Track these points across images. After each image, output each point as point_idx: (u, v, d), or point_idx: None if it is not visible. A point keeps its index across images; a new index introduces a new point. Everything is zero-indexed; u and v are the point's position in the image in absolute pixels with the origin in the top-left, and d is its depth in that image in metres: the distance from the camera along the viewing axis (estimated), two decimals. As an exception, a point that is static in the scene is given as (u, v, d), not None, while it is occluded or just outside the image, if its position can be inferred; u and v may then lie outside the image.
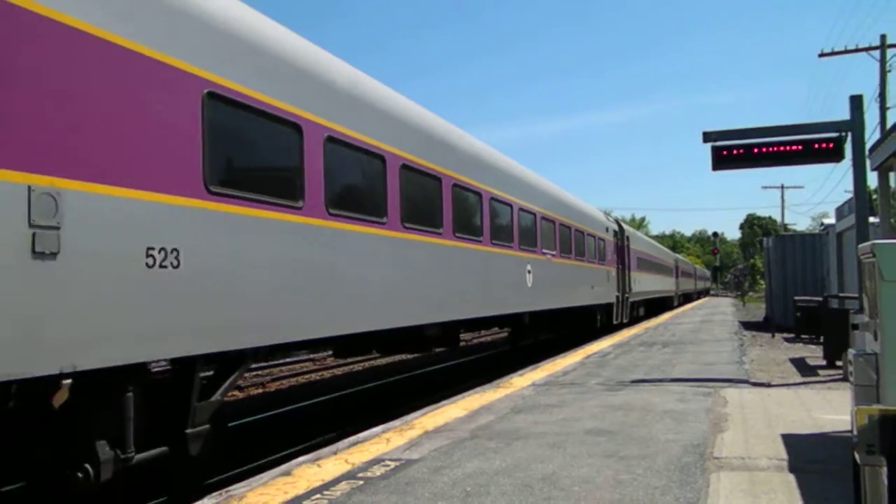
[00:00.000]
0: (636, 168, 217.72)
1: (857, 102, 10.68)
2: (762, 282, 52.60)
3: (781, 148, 10.89)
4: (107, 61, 4.98)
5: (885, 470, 2.94)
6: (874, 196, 14.25)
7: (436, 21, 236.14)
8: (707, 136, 10.99)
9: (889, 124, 15.04)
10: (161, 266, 5.30)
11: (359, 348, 9.93)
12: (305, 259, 7.15)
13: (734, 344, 17.02)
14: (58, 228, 4.53)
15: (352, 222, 7.98)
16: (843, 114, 10.78)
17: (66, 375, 4.61)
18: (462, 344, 14.58)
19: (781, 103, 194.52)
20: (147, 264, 5.19)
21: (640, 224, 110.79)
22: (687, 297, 57.05)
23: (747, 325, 25.58)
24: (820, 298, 17.41)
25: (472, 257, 11.67)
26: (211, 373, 6.33)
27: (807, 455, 5.92)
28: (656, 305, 37.45)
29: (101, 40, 4.93)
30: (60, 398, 4.70)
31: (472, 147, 12.41)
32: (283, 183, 6.97)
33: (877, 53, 28.74)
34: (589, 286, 20.23)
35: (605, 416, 7.78)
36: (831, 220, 21.18)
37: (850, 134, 10.59)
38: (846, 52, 30.09)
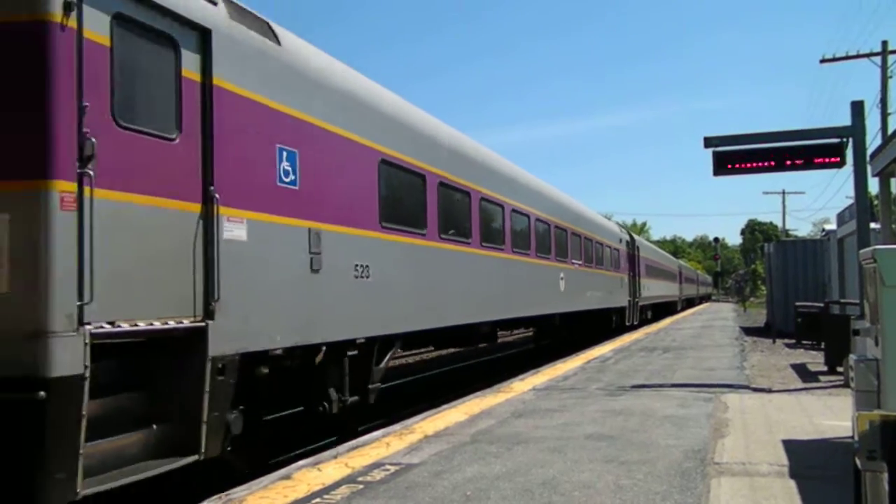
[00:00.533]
0: (638, 172, 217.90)
1: (858, 108, 10.68)
2: (763, 287, 52.57)
3: (783, 153, 10.89)
4: (347, 149, 8.07)
5: (886, 475, 2.93)
6: (875, 202, 14.25)
7: (437, 23, 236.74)
8: (708, 142, 11.00)
9: (890, 130, 15.08)
10: (361, 277, 8.13)
11: (437, 340, 12.49)
12: (426, 271, 9.96)
13: (735, 349, 17.01)
14: (320, 254, 7.33)
15: (451, 243, 10.88)
16: (845, 119, 10.78)
17: (323, 344, 7.41)
18: (481, 345, 16.16)
19: (783, 108, 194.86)
20: (354, 276, 7.99)
21: (641, 229, 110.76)
22: (689, 302, 59.66)
23: (748, 331, 25.56)
24: (821, 304, 17.39)
25: (522, 267, 14.43)
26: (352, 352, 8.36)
27: (807, 461, 5.91)
28: (662, 309, 39.47)
29: (349, 140, 8.10)
30: (318, 359, 7.52)
31: (528, 180, 15.81)
32: (416, 217, 9.78)
33: (878, 59, 28.77)
34: (607, 291, 22.86)
35: (605, 421, 7.77)
36: (832, 226, 21.17)
37: (851, 140, 10.59)
38: (847, 57, 30.11)
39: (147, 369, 5.45)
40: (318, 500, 5.05)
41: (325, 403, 7.70)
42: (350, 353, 8.05)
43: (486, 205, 12.40)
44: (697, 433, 7.08)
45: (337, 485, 5.42)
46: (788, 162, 10.94)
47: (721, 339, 21.03)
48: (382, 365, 9.05)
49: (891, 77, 28.37)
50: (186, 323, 5.53)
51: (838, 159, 10.72)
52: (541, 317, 15.85)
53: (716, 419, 7.87)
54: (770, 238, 68.90)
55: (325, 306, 7.37)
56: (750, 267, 74.66)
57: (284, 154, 6.91)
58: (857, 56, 29.73)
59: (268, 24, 7.11)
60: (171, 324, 5.40)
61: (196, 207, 5.77)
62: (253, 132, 6.48)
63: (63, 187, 4.60)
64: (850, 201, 16.23)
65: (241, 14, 6.61)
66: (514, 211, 13.97)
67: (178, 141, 5.64)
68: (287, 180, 6.92)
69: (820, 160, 10.82)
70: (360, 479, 5.58)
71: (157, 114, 5.55)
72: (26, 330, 4.42)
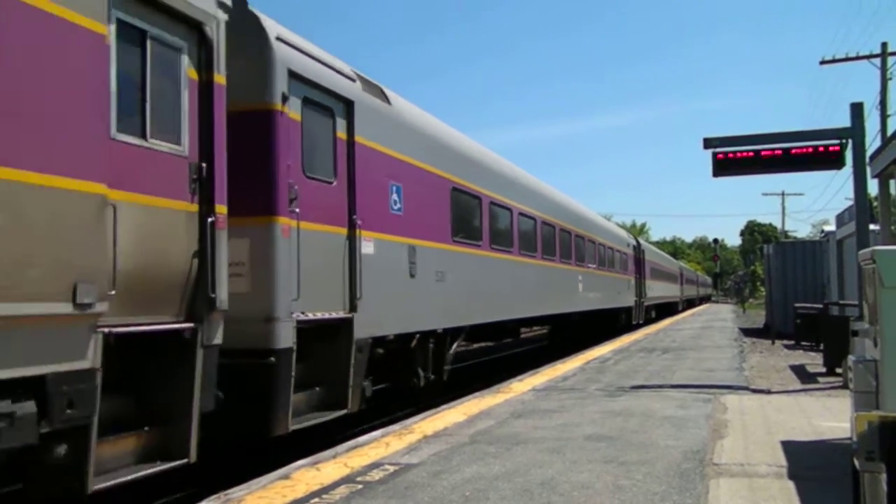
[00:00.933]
0: (637, 173, 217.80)
1: (857, 110, 10.69)
2: (762, 288, 52.58)
3: (782, 155, 10.90)
4: (432, 181, 10.34)
5: (884, 476, 2.93)
6: (875, 203, 14.25)
7: (438, 24, 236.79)
8: (708, 143, 11.00)
9: (890, 132, 15.08)
10: (440, 281, 10.36)
11: (484, 334, 14.00)
12: (482, 275, 12.19)
13: (734, 350, 17.01)
14: (415, 263, 9.56)
15: (498, 252, 13.07)
16: (844, 121, 10.79)
17: (417, 333, 9.59)
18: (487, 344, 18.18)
19: (782, 109, 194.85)
20: (435, 280, 10.22)
21: (640, 230, 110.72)
22: (690, 303, 61.59)
23: (747, 332, 25.57)
24: (820, 305, 17.40)
25: (550, 272, 16.80)
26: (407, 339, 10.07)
27: (806, 462, 5.91)
28: (665, 309, 41.86)
29: (433, 173, 10.41)
30: (412, 344, 9.62)
31: (552, 192, 18.31)
32: (474, 231, 12.06)
33: (878, 61, 28.76)
34: (616, 292, 25.03)
35: (604, 422, 7.78)
36: (832, 228, 21.17)
37: (850, 141, 10.59)
38: (847, 59, 30.11)
39: (312, 348, 7.38)
40: (316, 499, 5.05)
41: (415, 379, 9.87)
42: (432, 340, 10.25)
43: (522, 218, 14.65)
44: (696, 434, 7.08)
45: (336, 485, 5.42)
46: (788, 163, 10.95)
47: (720, 340, 21.04)
48: (452, 351, 11.38)
49: (890, 79, 28.38)
50: (342, 314, 7.82)
51: (838, 161, 10.73)
52: (562, 315, 17.82)
53: (715, 420, 7.87)
54: (769, 239, 68.88)
55: (418, 304, 9.72)
56: (749, 268, 74.71)
57: (394, 188, 9.14)
58: (857, 58, 29.73)
59: (382, 90, 9.38)
60: (334, 315, 7.67)
61: (345, 231, 7.99)
62: (376, 173, 8.68)
63: (282, 221, 6.85)
64: (850, 203, 16.26)
65: (368, 86, 8.87)
66: (543, 223, 16.26)
67: (335, 184, 7.88)
68: (395, 208, 9.19)
69: (819, 161, 10.82)
70: (358, 479, 5.58)
71: (323, 165, 7.74)
72: (263, 317, 6.61)
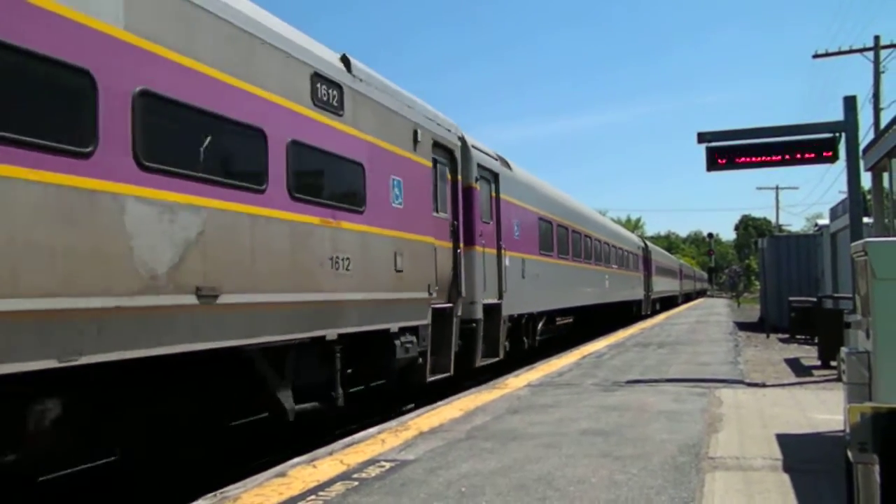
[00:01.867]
0: (632, 169, 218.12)
1: (850, 103, 10.71)
2: (757, 282, 52.70)
3: (776, 149, 10.91)
4: (530, 215, 15.41)
5: (877, 468, 2.95)
6: (868, 196, 14.29)
7: (437, 22, 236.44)
8: (701, 137, 11.01)
9: (883, 125, 15.11)
10: (533, 280, 15.05)
11: (553, 317, 18.46)
12: (554, 276, 17.11)
13: (729, 344, 17.06)
14: (524, 269, 14.55)
15: (562, 259, 18.27)
16: (837, 114, 10.81)
17: (525, 314, 14.73)
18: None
19: (776, 104, 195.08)
20: (532, 280, 14.96)
21: (635, 225, 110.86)
22: (688, 296, 66.99)
23: (742, 326, 25.64)
24: (814, 299, 17.45)
25: (592, 272, 22.40)
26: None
27: (801, 455, 5.93)
28: (667, 302, 47.39)
29: (530, 210, 15.51)
30: (522, 321, 14.68)
31: (592, 213, 25.30)
32: (550, 245, 17.07)
33: (871, 54, 28.84)
34: (630, 287, 30.18)
35: (600, 417, 7.79)
36: (825, 221, 21.25)
37: (844, 135, 10.62)
38: (840, 53, 30.20)
39: (486, 320, 12.27)
40: (312, 497, 5.05)
41: (524, 343, 14.91)
42: (530, 319, 15.40)
43: (573, 234, 19.93)
44: (692, 428, 7.10)
45: (332, 482, 5.42)
46: (782, 157, 10.96)
47: (715, 334, 21.09)
48: (540, 327, 16.39)
49: (883, 72, 28.49)
50: (497, 301, 12.77)
51: (831, 154, 10.75)
52: (592, 306, 22.20)
53: (710, 414, 7.89)
54: (763, 233, 69.00)
55: (525, 295, 14.61)
56: (744, 262, 74.84)
57: (515, 222, 14.30)
58: (850, 51, 29.83)
59: (507, 162, 14.47)
60: (494, 301, 12.66)
61: (495, 251, 12.96)
62: (508, 214, 13.73)
63: (478, 248, 11.91)
64: (843, 196, 16.27)
65: (503, 162, 14.11)
66: (585, 235, 21.58)
67: (491, 224, 12.87)
68: (516, 234, 14.26)
69: (813, 155, 10.84)
70: (355, 475, 5.59)
71: (487, 213, 12.70)
72: (470, 301, 11.57)
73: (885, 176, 10.62)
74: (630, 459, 5.82)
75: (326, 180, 8.00)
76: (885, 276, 3.63)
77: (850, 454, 3.25)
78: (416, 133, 9.99)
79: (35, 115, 4.73)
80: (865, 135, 26.86)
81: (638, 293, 31.95)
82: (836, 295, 14.87)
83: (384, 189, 9.02)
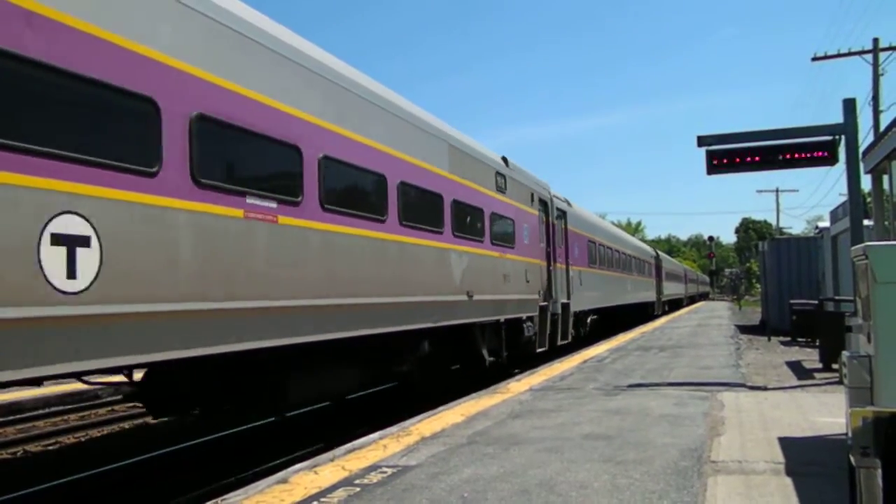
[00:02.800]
0: (632, 172, 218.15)
1: (850, 106, 10.71)
2: (758, 285, 52.66)
3: (775, 151, 10.92)
4: (582, 238, 21.10)
5: (879, 471, 2.94)
6: (868, 199, 14.27)
7: (439, 29, 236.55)
8: (701, 141, 11.02)
9: (882, 127, 15.12)
10: (584, 286, 20.34)
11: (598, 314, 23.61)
12: (598, 283, 22.61)
13: (730, 348, 17.04)
14: (580, 277, 19.92)
15: (603, 269, 23.82)
16: (837, 117, 10.82)
17: (581, 311, 20.16)
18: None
19: (776, 107, 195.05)
20: (584, 286, 20.32)
21: (636, 228, 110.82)
22: (692, 299, 71.78)
23: (743, 329, 25.61)
24: (815, 302, 17.44)
25: (621, 280, 28.12)
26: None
27: (803, 458, 5.92)
28: (674, 304, 52.80)
29: (583, 235, 21.11)
30: (580, 316, 20.18)
31: (622, 233, 32.37)
32: (594, 259, 22.31)
33: (870, 57, 28.87)
34: (645, 291, 35.58)
35: (602, 421, 7.78)
36: (826, 224, 21.22)
37: (843, 137, 10.62)
38: (839, 55, 30.23)
39: (561, 314, 17.29)
40: (314, 503, 5.04)
41: (581, 332, 19.80)
42: (581, 316, 20.02)
43: (607, 250, 25.20)
44: (694, 432, 7.09)
45: (333, 488, 5.42)
46: (782, 160, 10.97)
47: (716, 337, 21.07)
48: (589, 321, 21.32)
49: (883, 74, 28.49)
50: (567, 301, 17.84)
51: (831, 157, 10.76)
52: (620, 306, 27.32)
53: (712, 417, 7.88)
54: (764, 236, 68.97)
55: (581, 297, 19.35)
56: (744, 265, 74.77)
57: (575, 245, 19.34)
58: (849, 54, 29.86)
59: (569, 202, 19.76)
60: (565, 301, 17.70)
61: (564, 266, 18.04)
62: (572, 240, 19.05)
63: (558, 265, 17.49)
64: (844, 198, 16.26)
65: (567, 203, 19.50)
66: (615, 250, 26.91)
67: (562, 248, 18.06)
68: (576, 254, 19.24)
69: (813, 158, 10.85)
70: (356, 481, 5.58)
71: (560, 240, 17.96)
72: (556, 301, 16.91)
73: (885, 178, 10.61)
74: (632, 464, 5.81)
75: (502, 231, 13.80)
76: (886, 280, 3.63)
77: (852, 458, 3.25)
78: (531, 195, 15.95)
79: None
80: (865, 137, 26.87)
81: (652, 296, 37.88)
82: (837, 298, 14.84)
83: (521, 232, 14.94)
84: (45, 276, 4.63)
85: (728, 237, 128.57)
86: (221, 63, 6.34)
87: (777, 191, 63.37)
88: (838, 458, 5.35)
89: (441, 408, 9.22)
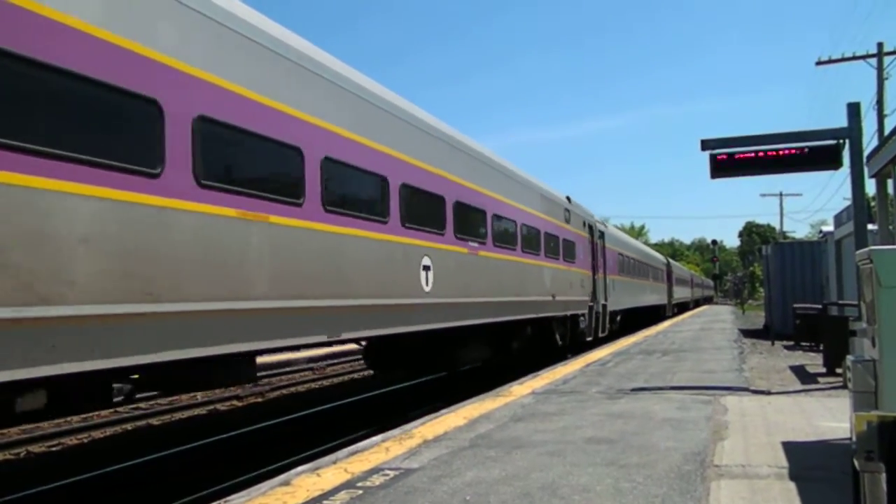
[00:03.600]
0: (635, 176, 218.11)
1: (854, 110, 10.69)
2: (761, 289, 52.58)
3: (779, 155, 10.91)
4: (614, 254, 26.00)
5: (884, 476, 2.93)
6: (872, 203, 14.24)
7: (440, 39, 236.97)
8: (705, 144, 11.01)
9: (886, 131, 15.09)
10: (615, 289, 24.81)
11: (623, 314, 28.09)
12: (627, 287, 27.73)
13: (734, 352, 17.00)
14: (614, 284, 24.78)
15: (629, 276, 28.60)
16: (841, 121, 10.80)
17: (611, 311, 24.04)
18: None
19: (781, 111, 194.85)
20: (616, 289, 24.96)
21: (639, 232, 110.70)
22: (697, 302, 75.62)
23: (747, 333, 25.55)
24: (819, 306, 17.39)
25: (642, 285, 32.34)
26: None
27: (807, 462, 5.90)
28: (681, 306, 56.86)
29: (614, 250, 25.99)
30: (612, 314, 24.57)
31: (646, 248, 40.73)
32: (620, 267, 26.52)
33: (874, 61, 28.83)
34: (659, 294, 40.05)
35: (604, 425, 7.77)
36: (830, 228, 21.17)
37: (847, 141, 10.61)
38: (843, 59, 30.18)
39: (600, 312, 21.71)
40: (317, 505, 5.03)
41: (612, 326, 23.80)
42: (612, 313, 23.76)
43: (631, 260, 29.25)
44: (697, 436, 7.07)
45: (336, 490, 5.41)
46: (786, 164, 10.96)
47: (720, 341, 21.03)
48: (618, 319, 25.64)
49: (887, 78, 28.45)
50: (605, 302, 22.53)
51: (835, 161, 10.74)
52: (639, 307, 31.38)
53: (715, 422, 7.86)
54: (767, 240, 68.78)
55: (614, 299, 24.12)
56: (748, 269, 74.62)
57: (609, 257, 23.89)
58: (853, 58, 29.80)
59: (605, 224, 25.71)
60: (604, 303, 22.38)
61: (603, 275, 22.61)
62: (608, 254, 23.79)
63: (599, 275, 22.12)
64: (848, 203, 16.23)
65: (604, 224, 25.36)
66: (637, 260, 31.18)
67: (600, 260, 22.53)
68: (609, 264, 23.80)
69: (817, 162, 10.83)
70: (359, 484, 5.57)
71: (600, 254, 22.58)
72: (597, 301, 21.58)
73: (889, 182, 10.59)
74: (635, 467, 5.80)
75: (568, 251, 18.60)
76: (890, 284, 3.62)
77: (856, 463, 3.23)
78: (584, 222, 20.78)
79: None
80: (869, 141, 26.80)
81: (664, 299, 42.50)
82: (841, 302, 14.81)
83: (579, 251, 19.78)
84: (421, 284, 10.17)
85: (731, 241, 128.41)
86: (337, 115, 8.26)
87: (781, 195, 63.18)
88: (842, 462, 5.33)
89: (443, 411, 9.22)
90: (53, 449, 10.48)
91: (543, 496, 5.06)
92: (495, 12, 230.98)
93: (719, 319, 37.69)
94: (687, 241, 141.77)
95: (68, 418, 12.58)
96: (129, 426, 12.08)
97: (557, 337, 17.56)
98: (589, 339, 20.19)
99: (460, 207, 11.54)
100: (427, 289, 10.10)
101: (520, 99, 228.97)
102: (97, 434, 11.41)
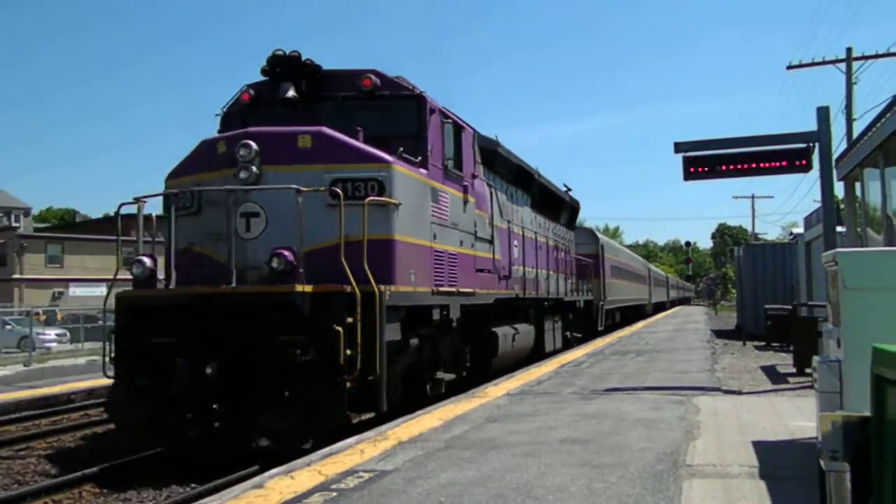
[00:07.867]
0: (609, 179, 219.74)
1: (823, 114, 10.89)
2: (734, 290, 53.32)
3: (751, 158, 11.07)
4: (613, 262, 31.97)
5: (848, 475, 2.98)
6: (841, 205, 14.52)
7: (451, 32, 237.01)
8: (678, 147, 11.14)
9: (855, 135, 15.40)
10: (615, 290, 31.05)
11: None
12: (624, 288, 33.98)
13: (706, 352, 17.21)
14: (613, 286, 30.93)
15: (619, 280, 33.12)
16: (811, 125, 11.00)
17: (617, 306, 32.69)
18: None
19: (752, 114, 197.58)
20: (616, 289, 31.27)
21: (614, 234, 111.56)
22: (674, 302, 77.30)
23: (719, 334, 25.89)
24: (790, 307, 17.67)
25: (628, 286, 35.84)
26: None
27: (778, 461, 6.00)
28: (659, 306, 59.00)
29: (612, 258, 33.36)
30: (622, 308, 34.77)
31: (640, 259, 51.18)
32: (617, 273, 32.78)
33: (843, 66, 29.33)
34: (641, 294, 42.86)
35: (579, 425, 7.82)
36: (800, 230, 21.54)
37: (817, 145, 10.79)
38: (813, 64, 30.63)
39: (598, 309, 26.19)
40: (290, 508, 5.01)
41: (609, 321, 29.10)
42: (613, 310, 30.92)
43: (622, 265, 33.33)
44: (670, 436, 7.14)
45: (310, 493, 5.39)
46: (757, 166, 11.13)
47: (693, 342, 21.27)
48: (618, 315, 32.14)
49: (856, 83, 28.94)
50: (602, 301, 26.32)
51: (805, 164, 10.93)
52: (627, 306, 35.45)
53: (688, 421, 7.95)
54: (739, 242, 69.76)
55: (611, 298, 28.60)
56: (720, 270, 75.53)
57: (609, 265, 28.85)
58: (823, 62, 30.25)
59: (607, 238, 40.30)
60: (604, 300, 26.58)
61: (603, 279, 27.70)
62: (606, 262, 28.31)
63: (600, 280, 27.49)
64: (818, 205, 16.53)
65: (605, 235, 42.44)
66: (627, 265, 35.51)
67: (602, 268, 27.70)
68: (609, 271, 28.78)
69: (787, 165, 11.01)
70: (333, 486, 5.55)
71: (601, 263, 27.32)
72: (601, 300, 26.90)
73: (858, 185, 10.80)
74: (609, 468, 5.84)
75: (598, 270, 27.07)
76: (854, 286, 3.69)
77: (822, 462, 3.29)
78: (598, 243, 27.91)
79: None
80: (838, 145, 27.25)
81: (645, 299, 46.45)
82: (810, 303, 15.06)
83: (600, 265, 26.69)
84: None
85: (705, 242, 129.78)
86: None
87: (752, 197, 63.97)
88: (812, 461, 5.41)
89: (418, 412, 9.21)
90: (21, 453, 10.28)
91: (518, 497, 5.09)
92: (467, 21, 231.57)
93: (692, 320, 38.14)
94: (661, 242, 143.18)
95: (37, 422, 12.36)
96: (98, 429, 11.89)
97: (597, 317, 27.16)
98: (601, 328, 26.10)
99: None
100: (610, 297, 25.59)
101: (497, 100, 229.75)
102: (66, 438, 11.22)
